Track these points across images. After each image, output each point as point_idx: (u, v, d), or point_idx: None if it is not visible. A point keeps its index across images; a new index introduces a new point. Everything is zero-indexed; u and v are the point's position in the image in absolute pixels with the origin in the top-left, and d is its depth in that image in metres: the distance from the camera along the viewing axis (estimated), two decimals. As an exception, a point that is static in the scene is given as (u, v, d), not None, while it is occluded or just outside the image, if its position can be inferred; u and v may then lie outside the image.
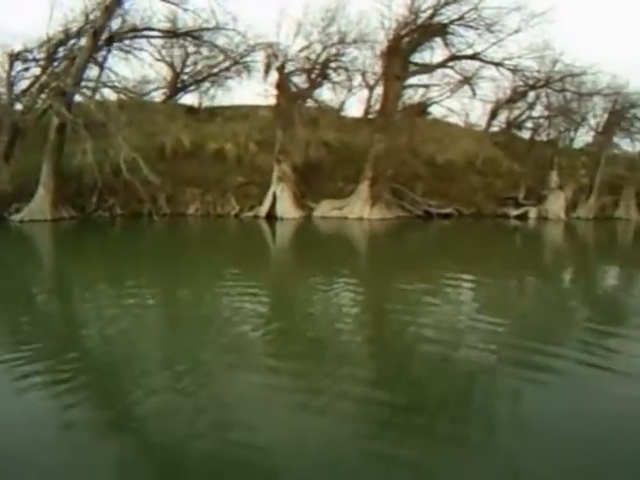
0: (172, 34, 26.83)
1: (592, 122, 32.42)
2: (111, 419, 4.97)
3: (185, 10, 24.55)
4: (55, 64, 24.73)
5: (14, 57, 23.90)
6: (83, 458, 4.29)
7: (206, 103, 31.68)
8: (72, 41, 24.32)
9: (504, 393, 5.63)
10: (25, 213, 21.89)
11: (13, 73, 24.12)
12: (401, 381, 5.96)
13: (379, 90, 25.08)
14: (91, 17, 23.34)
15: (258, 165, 26.08)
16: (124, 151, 21.44)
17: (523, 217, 27.05)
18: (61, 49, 24.59)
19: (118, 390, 5.63)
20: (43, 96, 24.14)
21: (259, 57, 26.67)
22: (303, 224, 23.46)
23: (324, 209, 24.38)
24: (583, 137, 32.81)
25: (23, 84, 24.86)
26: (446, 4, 25.63)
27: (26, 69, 24.64)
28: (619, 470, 4.27)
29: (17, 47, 23.89)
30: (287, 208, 24.60)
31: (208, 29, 25.58)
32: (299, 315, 8.85)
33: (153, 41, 26.75)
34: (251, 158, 26.81)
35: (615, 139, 33.98)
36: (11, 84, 24.04)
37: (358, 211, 23.69)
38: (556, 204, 28.06)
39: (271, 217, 24.47)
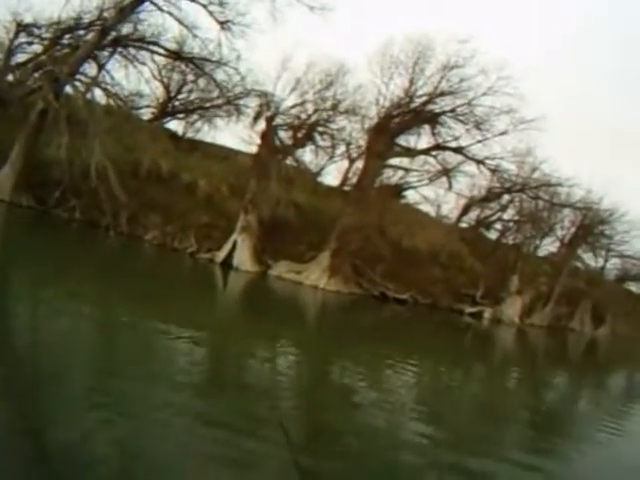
0: (176, 56, 26.68)
1: (559, 233, 33.19)
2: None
3: (195, 37, 24.61)
4: (57, 48, 24.08)
5: (21, 28, 23.31)
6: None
7: (190, 134, 31.32)
8: (80, 32, 23.89)
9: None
10: (-19, 186, 20.65)
11: (15, 43, 23.50)
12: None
13: (359, 164, 25.06)
14: (105, 14, 23.03)
15: (226, 209, 25.49)
16: (97, 157, 20.79)
17: (477, 316, 26.97)
18: (67, 36, 24.08)
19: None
20: (36, 75, 23.36)
21: (252, 103, 26.57)
22: (257, 280, 22.81)
23: (281, 269, 23.81)
24: (548, 246, 33.45)
25: (21, 58, 24.28)
26: (442, 94, 26.17)
27: (29, 43, 24.13)
28: None
29: (27, 19, 23.30)
30: (244, 259, 23.93)
31: (211, 60, 25.56)
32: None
33: (156, 58, 26.53)
34: (221, 200, 26.25)
35: (579, 252, 34.86)
36: (10, 53, 23.52)
37: (315, 279, 23.17)
38: (512, 308, 28.16)
39: (226, 264, 23.70)
